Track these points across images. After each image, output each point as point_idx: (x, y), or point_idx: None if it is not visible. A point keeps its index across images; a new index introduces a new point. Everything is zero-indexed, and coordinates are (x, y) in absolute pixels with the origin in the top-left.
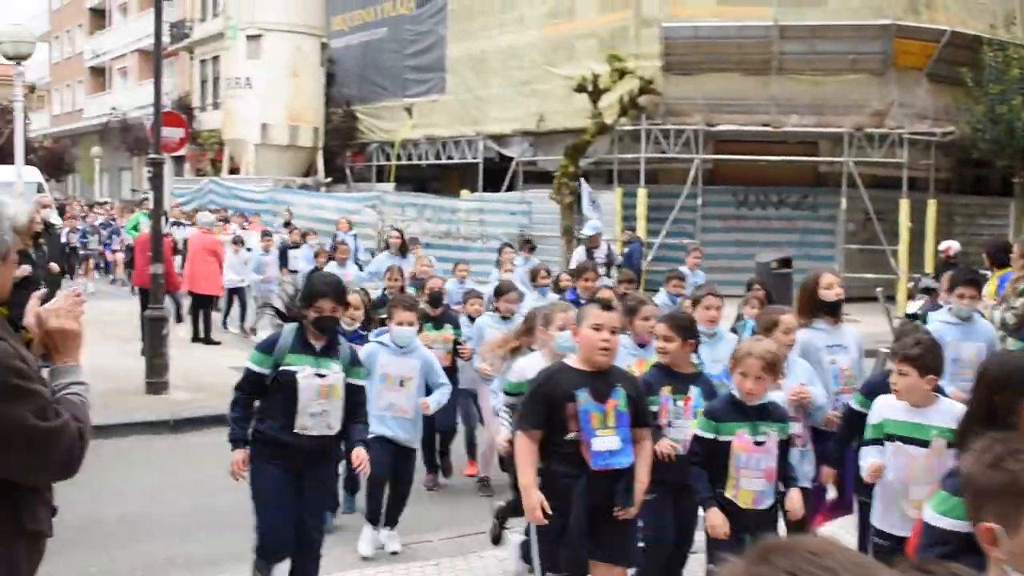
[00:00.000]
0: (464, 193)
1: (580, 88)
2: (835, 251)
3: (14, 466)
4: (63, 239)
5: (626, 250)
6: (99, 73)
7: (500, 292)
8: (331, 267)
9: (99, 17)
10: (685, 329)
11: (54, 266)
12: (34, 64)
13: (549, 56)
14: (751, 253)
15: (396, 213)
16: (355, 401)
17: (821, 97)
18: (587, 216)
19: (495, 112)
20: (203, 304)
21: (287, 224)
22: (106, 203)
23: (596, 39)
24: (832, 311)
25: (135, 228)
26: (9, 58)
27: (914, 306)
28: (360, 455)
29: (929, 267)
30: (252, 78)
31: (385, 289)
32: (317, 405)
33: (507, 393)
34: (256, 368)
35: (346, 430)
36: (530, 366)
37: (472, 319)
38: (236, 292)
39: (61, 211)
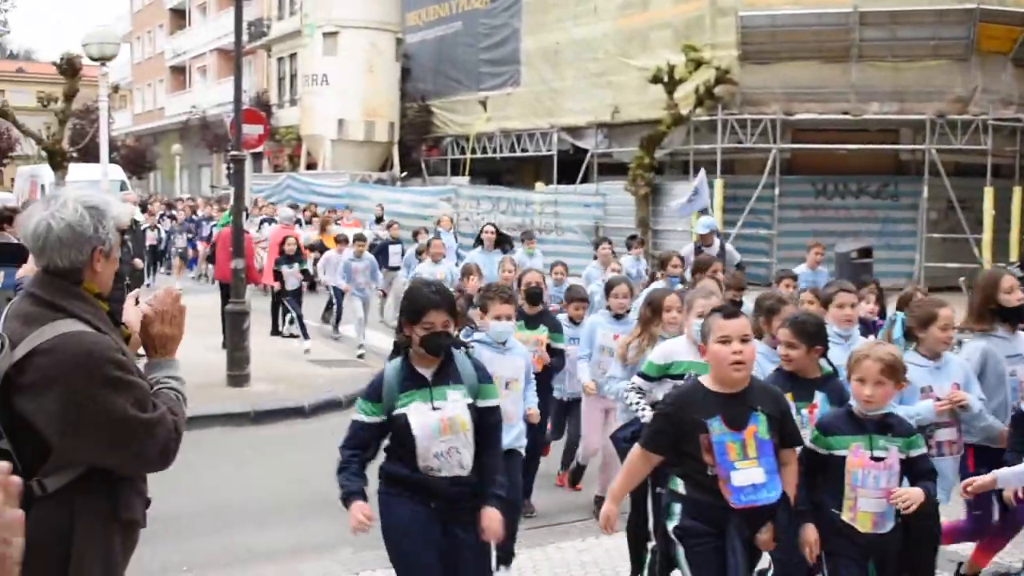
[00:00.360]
0: (539, 185)
1: (655, 79)
2: (916, 240)
3: (113, 456)
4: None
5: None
6: (179, 72)
7: (610, 287)
8: (424, 266)
9: (179, 17)
10: (811, 335)
11: (138, 262)
12: (117, 64)
13: (623, 47)
14: (830, 243)
15: (471, 206)
16: (487, 425)
17: (902, 84)
18: (684, 203)
19: (569, 104)
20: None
21: (379, 220)
22: (188, 199)
23: (671, 29)
24: (1011, 318)
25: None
26: (95, 59)
27: None
28: (493, 519)
29: (1014, 256)
30: (329, 74)
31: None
32: (441, 444)
33: (645, 376)
34: (365, 419)
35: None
36: (677, 349)
37: (575, 322)
38: (340, 292)
39: (143, 208)
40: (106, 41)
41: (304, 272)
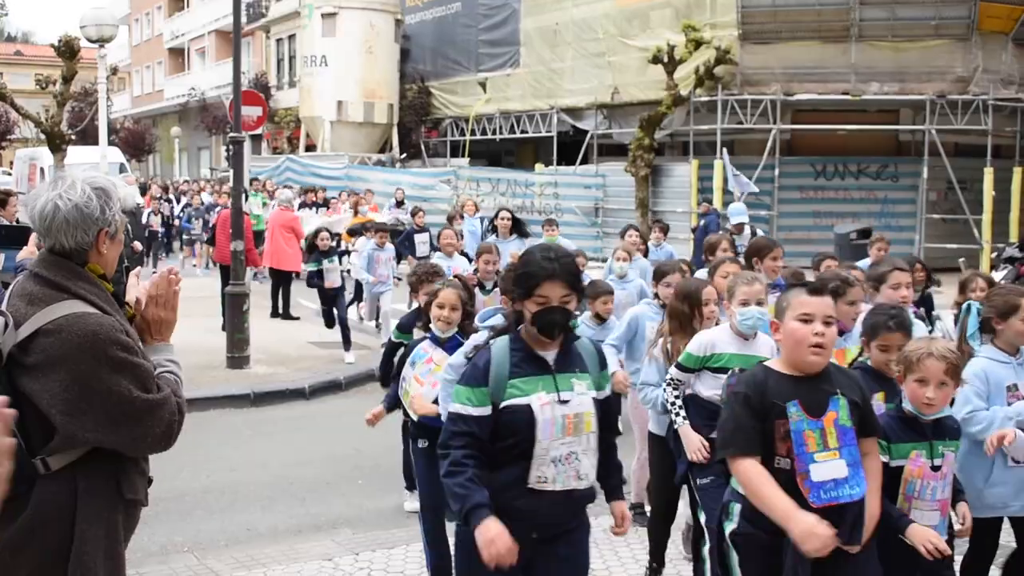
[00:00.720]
0: (538, 167)
1: (655, 59)
2: (916, 221)
3: (117, 436)
4: (145, 219)
5: (702, 222)
6: (178, 54)
7: (661, 275)
8: (435, 259)
9: None
10: (908, 329)
11: (137, 245)
12: (115, 47)
13: (623, 27)
14: (829, 224)
15: (471, 188)
16: (609, 423)
17: (902, 64)
18: (732, 191)
19: (569, 85)
20: (282, 280)
21: (400, 203)
22: (187, 181)
23: (671, 9)
24: None
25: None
26: (93, 41)
27: (998, 276)
28: (626, 514)
29: (1014, 237)
30: (328, 56)
31: (477, 272)
32: (562, 446)
33: (682, 368)
34: (471, 410)
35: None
36: (719, 339)
37: (601, 319)
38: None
39: (143, 191)
40: (104, 23)
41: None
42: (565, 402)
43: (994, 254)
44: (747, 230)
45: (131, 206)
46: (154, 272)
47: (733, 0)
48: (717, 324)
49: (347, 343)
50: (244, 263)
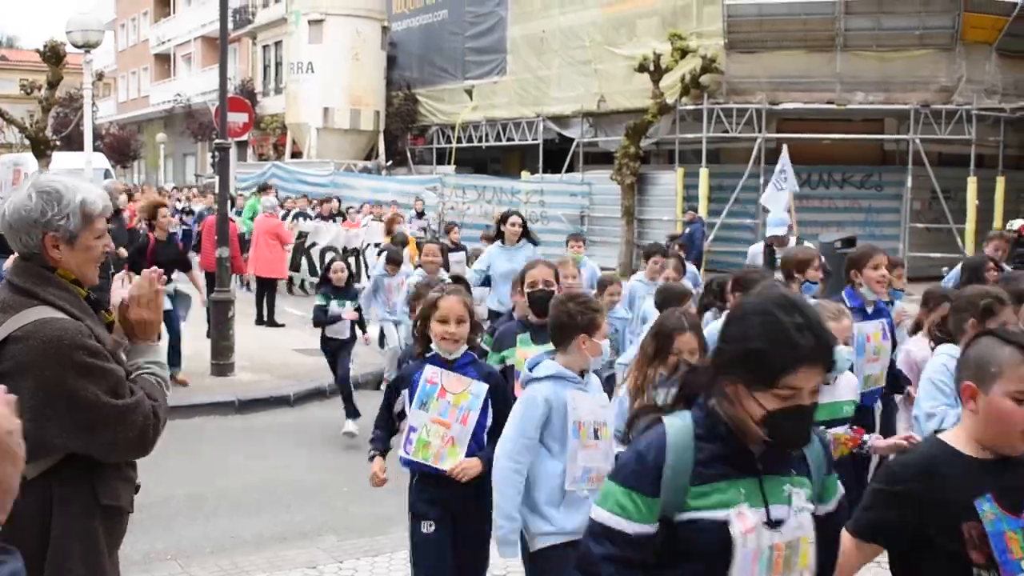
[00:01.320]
0: (524, 174)
1: (641, 68)
2: (900, 230)
3: (85, 443)
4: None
5: (687, 230)
6: (164, 60)
7: (745, 285)
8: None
9: (163, 4)
10: None
11: (122, 251)
12: (101, 52)
13: (610, 36)
14: (814, 233)
15: (457, 195)
16: (828, 542)
17: (887, 73)
18: (772, 197)
19: (555, 93)
20: (267, 287)
21: (420, 215)
22: (175, 189)
23: (657, 17)
24: None
25: (252, 216)
26: (78, 47)
27: None
28: None
29: None
30: (314, 62)
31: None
32: None
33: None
34: (630, 527)
35: None
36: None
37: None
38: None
39: (129, 197)
40: (90, 28)
41: (358, 310)
42: (777, 523)
43: None
44: (792, 241)
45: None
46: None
47: (719, 9)
48: None
49: (350, 409)
50: (229, 270)
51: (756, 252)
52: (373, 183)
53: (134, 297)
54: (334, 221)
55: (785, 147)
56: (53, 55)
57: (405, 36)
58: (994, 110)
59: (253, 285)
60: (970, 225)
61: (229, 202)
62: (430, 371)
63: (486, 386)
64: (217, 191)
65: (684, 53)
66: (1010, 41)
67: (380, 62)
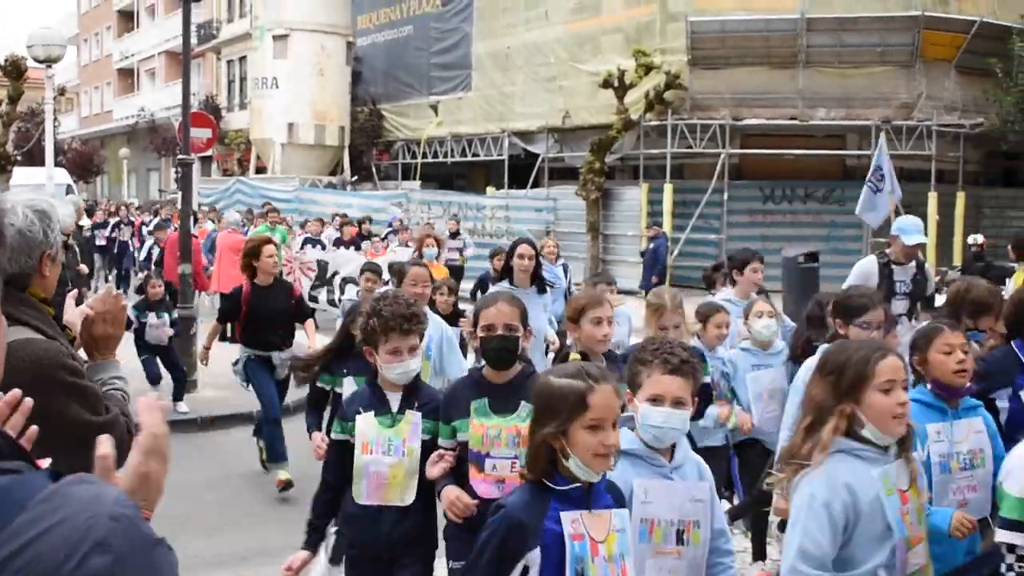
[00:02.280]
0: (490, 190)
1: (606, 84)
2: (862, 245)
3: (74, 462)
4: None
5: (651, 245)
6: (127, 75)
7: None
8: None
9: (127, 19)
10: None
11: (83, 268)
12: (63, 67)
13: (574, 52)
14: (777, 248)
15: (422, 211)
16: None
17: (848, 90)
18: (870, 201)
19: (521, 109)
20: None
21: (454, 235)
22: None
23: (622, 34)
24: None
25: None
26: (40, 61)
27: (941, 300)
28: None
29: (957, 260)
30: (279, 78)
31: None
32: None
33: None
34: None
35: None
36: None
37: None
38: None
39: (89, 213)
40: (52, 43)
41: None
42: None
43: (937, 278)
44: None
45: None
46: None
47: (683, 26)
48: None
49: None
50: (192, 286)
51: (868, 270)
52: (338, 199)
53: (99, 313)
54: (358, 248)
55: (883, 138)
56: (14, 69)
57: (370, 51)
58: (954, 126)
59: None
60: (931, 240)
61: (192, 218)
62: (570, 519)
63: (626, 511)
64: (180, 207)
65: (648, 69)
66: (969, 58)
67: (345, 77)
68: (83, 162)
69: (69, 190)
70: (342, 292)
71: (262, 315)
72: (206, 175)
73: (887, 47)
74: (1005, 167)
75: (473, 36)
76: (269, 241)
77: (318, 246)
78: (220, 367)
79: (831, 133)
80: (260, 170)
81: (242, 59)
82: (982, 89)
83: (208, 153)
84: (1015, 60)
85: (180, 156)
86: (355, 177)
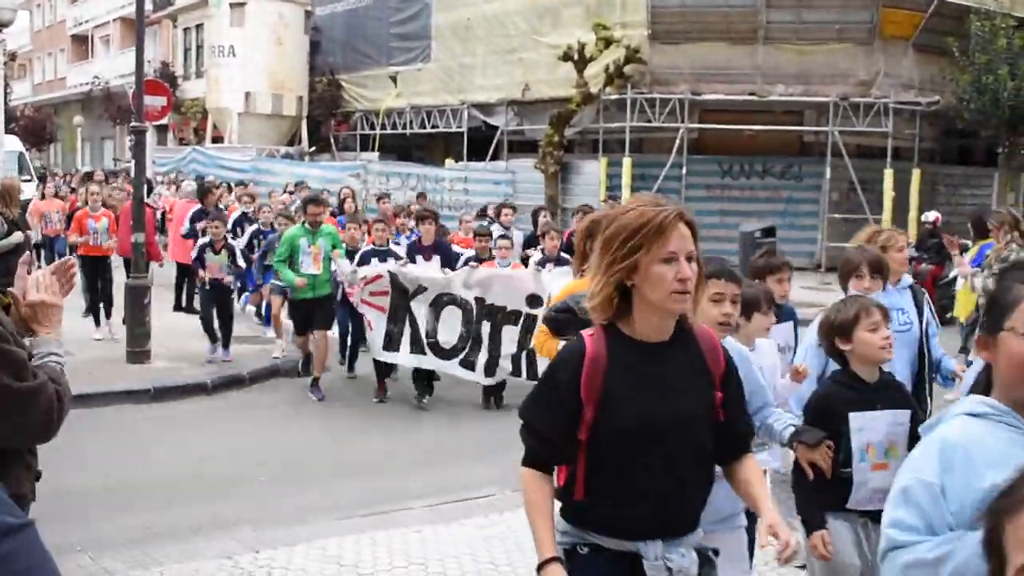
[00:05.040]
0: (448, 162)
1: (566, 57)
2: (819, 220)
3: None
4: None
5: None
6: (81, 41)
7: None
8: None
9: None
10: None
11: (30, 235)
12: (15, 32)
13: (535, 24)
14: (735, 223)
15: (380, 182)
16: None
17: (807, 66)
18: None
19: (480, 81)
20: (186, 273)
21: (492, 216)
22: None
23: (582, 7)
24: None
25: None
26: None
27: None
28: None
29: (912, 237)
30: (235, 46)
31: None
32: None
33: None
34: None
35: None
36: None
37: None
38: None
39: (42, 179)
40: (3, 7)
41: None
42: None
43: None
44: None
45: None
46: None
47: (643, 0)
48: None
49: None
50: (145, 256)
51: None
52: (296, 169)
53: (34, 281)
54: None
55: None
56: None
57: (329, 21)
58: (910, 104)
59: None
60: (886, 216)
61: (146, 187)
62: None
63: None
64: (133, 175)
65: (608, 43)
66: (926, 37)
67: (303, 47)
68: (36, 130)
69: (21, 158)
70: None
71: None
72: (162, 144)
73: (846, 24)
74: (960, 145)
75: (433, 7)
76: None
77: (382, 258)
78: (174, 338)
79: (789, 109)
80: (217, 140)
81: (198, 27)
82: (939, 68)
83: (163, 122)
84: (972, 39)
85: (133, 124)
86: (313, 148)
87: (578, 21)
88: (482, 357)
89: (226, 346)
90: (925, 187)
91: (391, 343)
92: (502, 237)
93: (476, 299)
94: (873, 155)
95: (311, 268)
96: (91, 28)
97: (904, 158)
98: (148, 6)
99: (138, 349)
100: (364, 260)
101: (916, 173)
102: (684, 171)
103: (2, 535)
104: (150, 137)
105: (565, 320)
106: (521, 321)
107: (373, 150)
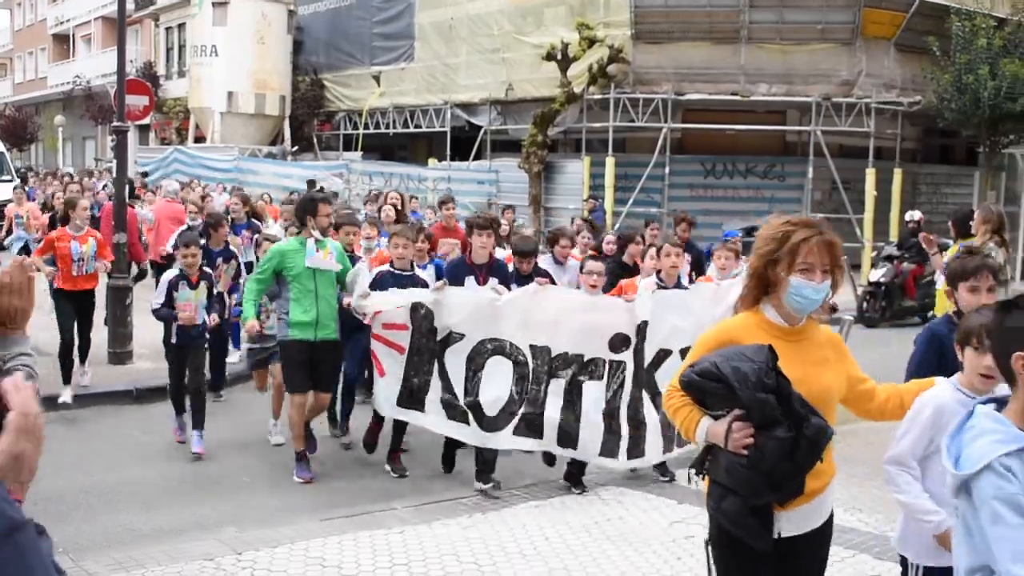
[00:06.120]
0: (432, 162)
1: (549, 56)
2: None
3: None
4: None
5: (589, 218)
6: (63, 40)
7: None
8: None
9: None
10: None
11: None
12: None
13: (518, 24)
14: (718, 222)
15: (364, 182)
16: None
17: (789, 66)
18: None
19: (463, 80)
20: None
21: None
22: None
23: (565, 6)
24: None
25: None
26: None
27: (876, 274)
28: None
29: (894, 235)
30: (218, 45)
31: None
32: None
33: None
34: None
35: None
36: None
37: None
38: None
39: (23, 180)
40: None
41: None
42: None
43: (874, 252)
44: None
45: None
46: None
47: (626, 0)
48: None
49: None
50: (127, 256)
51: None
52: (278, 169)
53: (5, 284)
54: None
55: None
56: None
57: (312, 20)
58: (892, 104)
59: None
60: (868, 215)
61: (127, 187)
62: None
63: None
64: (115, 175)
65: (592, 42)
66: (908, 37)
67: (286, 46)
68: (16, 129)
69: (1, 158)
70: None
71: None
72: (144, 144)
73: (828, 24)
74: (941, 144)
75: (416, 6)
76: None
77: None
78: (156, 339)
79: (772, 109)
80: (199, 139)
81: (181, 26)
82: (920, 67)
83: (146, 121)
84: (953, 39)
85: (115, 123)
86: (296, 147)
87: (561, 21)
88: (551, 416)
89: (197, 426)
90: (907, 186)
91: (411, 398)
92: (591, 258)
93: (535, 348)
94: (855, 155)
95: (324, 262)
96: (72, 27)
97: (886, 158)
98: (130, 5)
99: (120, 350)
100: (380, 286)
101: (898, 172)
102: (667, 171)
103: (16, 527)
104: (132, 137)
105: (721, 396)
106: (606, 375)
107: (356, 150)
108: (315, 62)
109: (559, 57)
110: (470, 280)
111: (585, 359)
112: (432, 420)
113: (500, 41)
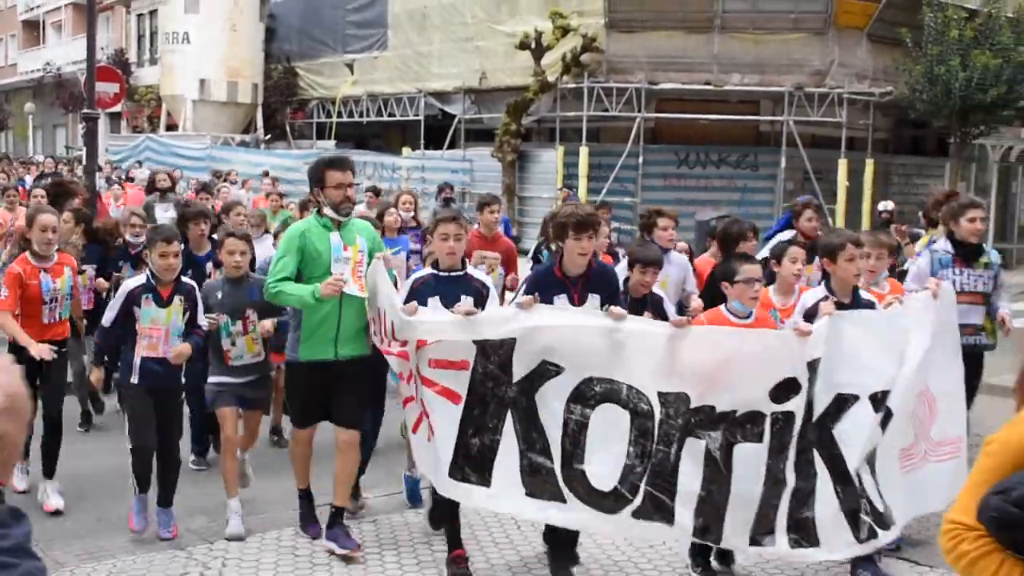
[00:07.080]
0: (405, 151)
1: (523, 45)
2: (774, 209)
3: None
4: None
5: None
6: (33, 27)
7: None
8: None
9: None
10: None
11: None
12: None
13: (492, 12)
14: (691, 212)
15: None
16: None
17: (763, 56)
18: None
19: (437, 69)
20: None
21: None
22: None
23: None
24: None
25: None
26: None
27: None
28: None
29: (866, 226)
30: (190, 33)
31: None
32: None
33: None
34: None
35: None
36: None
37: None
38: None
39: None
40: None
41: None
42: None
43: None
44: None
45: None
46: None
47: None
48: None
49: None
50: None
51: None
52: (251, 157)
53: None
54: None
55: None
56: None
57: (284, 8)
58: (864, 94)
59: None
60: (840, 206)
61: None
62: None
63: None
64: (85, 162)
65: (565, 31)
66: (880, 27)
67: (258, 34)
68: None
69: None
70: None
71: None
72: (115, 132)
73: (801, 14)
74: (913, 135)
75: None
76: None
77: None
78: None
79: (745, 99)
80: (171, 127)
81: (152, 13)
82: (892, 58)
83: (117, 109)
84: (925, 30)
85: (85, 111)
86: (268, 136)
87: (535, 9)
88: (686, 492)
89: (164, 504)
90: (879, 177)
91: (468, 467)
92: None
93: (665, 396)
94: (827, 145)
95: (353, 286)
96: (42, 13)
97: (858, 148)
98: None
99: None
100: (418, 297)
101: (870, 163)
102: (640, 160)
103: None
104: (103, 125)
105: None
106: (767, 432)
107: (329, 138)
108: (288, 50)
109: (533, 46)
110: (560, 299)
111: (738, 414)
112: (505, 498)
113: (474, 30)
